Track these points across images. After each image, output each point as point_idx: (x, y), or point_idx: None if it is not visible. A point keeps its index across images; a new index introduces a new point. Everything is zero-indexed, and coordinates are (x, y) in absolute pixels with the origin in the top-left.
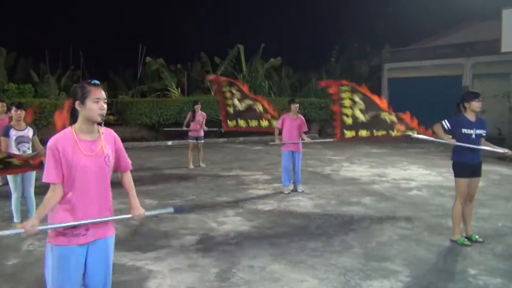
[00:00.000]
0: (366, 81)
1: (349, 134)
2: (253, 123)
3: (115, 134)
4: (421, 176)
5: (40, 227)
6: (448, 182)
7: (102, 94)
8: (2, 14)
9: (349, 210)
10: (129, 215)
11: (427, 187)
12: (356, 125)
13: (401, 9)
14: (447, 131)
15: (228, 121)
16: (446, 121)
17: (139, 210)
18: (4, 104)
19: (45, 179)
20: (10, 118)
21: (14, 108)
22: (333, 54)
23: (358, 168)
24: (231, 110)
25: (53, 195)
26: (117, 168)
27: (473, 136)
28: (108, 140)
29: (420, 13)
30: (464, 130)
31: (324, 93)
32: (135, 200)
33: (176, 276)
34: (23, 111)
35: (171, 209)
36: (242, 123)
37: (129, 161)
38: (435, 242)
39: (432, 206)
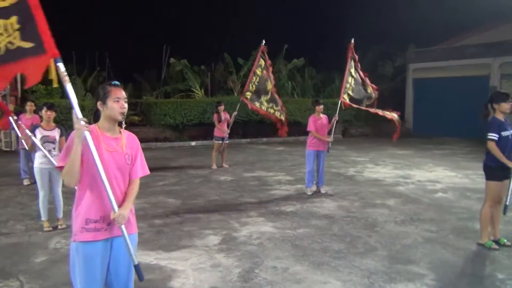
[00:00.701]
0: (390, 82)
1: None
2: (270, 109)
3: (137, 139)
4: (447, 178)
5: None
6: (474, 184)
7: (123, 93)
8: None
9: (373, 212)
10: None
11: (453, 189)
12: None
13: (426, 9)
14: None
15: (248, 97)
16: (492, 134)
17: (123, 213)
18: (33, 104)
19: (58, 162)
20: (41, 118)
21: (45, 108)
22: (357, 54)
23: (382, 170)
24: (252, 88)
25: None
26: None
27: (510, 137)
28: (130, 141)
29: (446, 13)
30: (503, 133)
31: None
32: (126, 204)
33: (199, 275)
34: (53, 112)
35: (135, 262)
36: (261, 106)
37: (144, 170)
38: (461, 246)
39: (458, 208)
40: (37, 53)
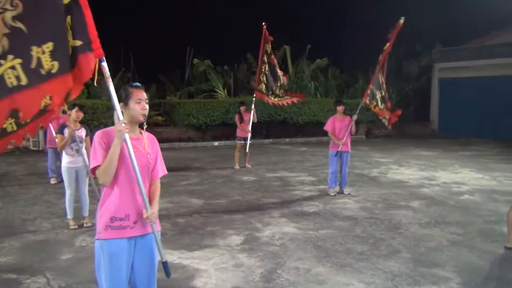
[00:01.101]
0: (415, 82)
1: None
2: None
3: (156, 140)
4: (473, 180)
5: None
6: (502, 186)
7: (144, 95)
8: None
9: (396, 214)
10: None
11: (479, 191)
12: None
13: (453, 7)
14: None
15: (262, 89)
16: None
17: (156, 211)
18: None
19: (93, 164)
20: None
21: (76, 108)
22: (381, 54)
23: (407, 171)
24: (263, 79)
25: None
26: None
27: None
28: (150, 141)
29: (474, 11)
30: None
31: None
32: (155, 203)
33: (221, 275)
34: (83, 113)
35: (164, 259)
36: (274, 98)
37: (163, 170)
38: (488, 249)
39: (485, 211)
40: (85, 51)
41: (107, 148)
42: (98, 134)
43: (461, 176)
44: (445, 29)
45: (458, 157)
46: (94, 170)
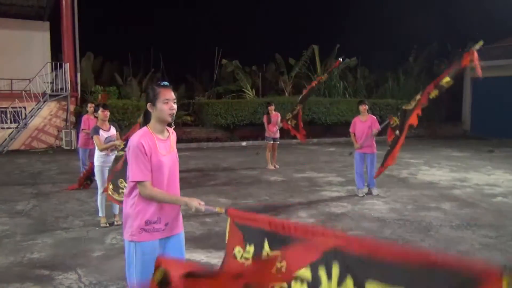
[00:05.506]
0: None
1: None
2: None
3: (175, 134)
4: (507, 182)
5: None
6: None
7: (172, 95)
8: (90, 22)
9: (427, 216)
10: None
11: None
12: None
13: (485, 4)
14: None
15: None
16: None
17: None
18: (93, 105)
19: (135, 177)
20: (97, 119)
21: (101, 108)
22: (411, 53)
23: (437, 172)
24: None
25: (153, 189)
26: None
27: None
28: (174, 138)
29: (507, 8)
30: None
31: (401, 94)
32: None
33: None
34: (108, 112)
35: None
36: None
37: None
38: None
39: None
40: None
41: (149, 157)
42: (136, 143)
43: (494, 178)
44: (476, 27)
45: (491, 158)
46: (135, 181)
